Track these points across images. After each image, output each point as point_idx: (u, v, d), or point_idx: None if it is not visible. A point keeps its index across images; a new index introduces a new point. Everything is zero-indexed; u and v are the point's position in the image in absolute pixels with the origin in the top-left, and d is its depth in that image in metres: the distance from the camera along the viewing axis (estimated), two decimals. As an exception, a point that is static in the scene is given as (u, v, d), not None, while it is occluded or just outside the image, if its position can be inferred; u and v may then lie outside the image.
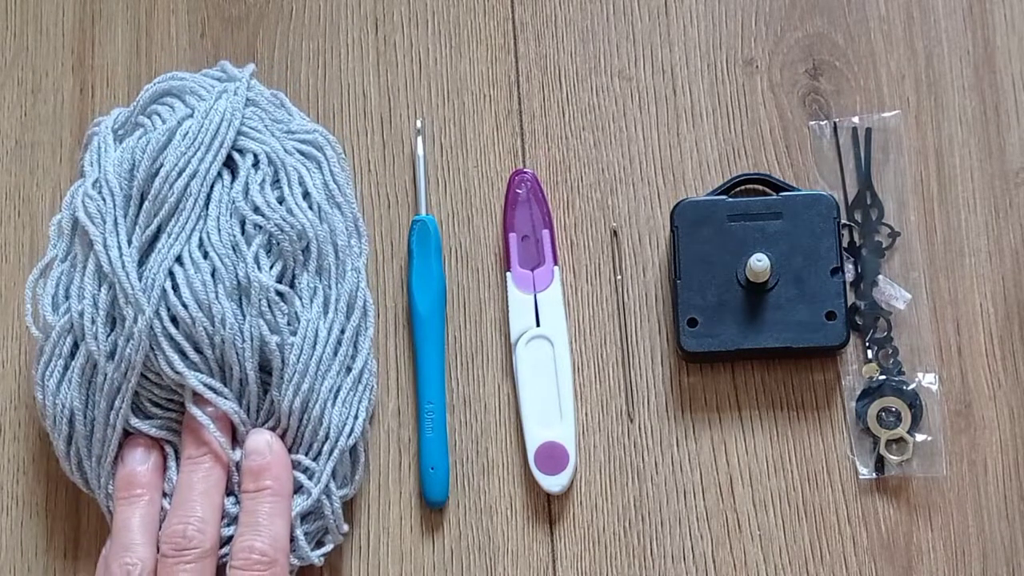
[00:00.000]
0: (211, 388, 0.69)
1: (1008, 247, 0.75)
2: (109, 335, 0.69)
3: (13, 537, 0.74)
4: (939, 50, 0.77)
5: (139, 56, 0.81)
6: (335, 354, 0.71)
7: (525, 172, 0.76)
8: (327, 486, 0.69)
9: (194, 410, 0.69)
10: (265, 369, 0.70)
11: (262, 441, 0.69)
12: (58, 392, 0.70)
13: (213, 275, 0.69)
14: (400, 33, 0.80)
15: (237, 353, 0.69)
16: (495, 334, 0.75)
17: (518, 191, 0.76)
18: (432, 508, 0.73)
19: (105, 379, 0.69)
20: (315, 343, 0.70)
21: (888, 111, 0.77)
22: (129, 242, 0.70)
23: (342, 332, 0.71)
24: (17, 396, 0.76)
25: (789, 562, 0.71)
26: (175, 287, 0.69)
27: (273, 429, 0.70)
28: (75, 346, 0.70)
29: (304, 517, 0.69)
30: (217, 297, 0.69)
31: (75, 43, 0.81)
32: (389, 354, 0.75)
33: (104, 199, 0.70)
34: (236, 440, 0.70)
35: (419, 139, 0.78)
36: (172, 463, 0.70)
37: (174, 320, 0.69)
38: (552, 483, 0.72)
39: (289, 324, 0.70)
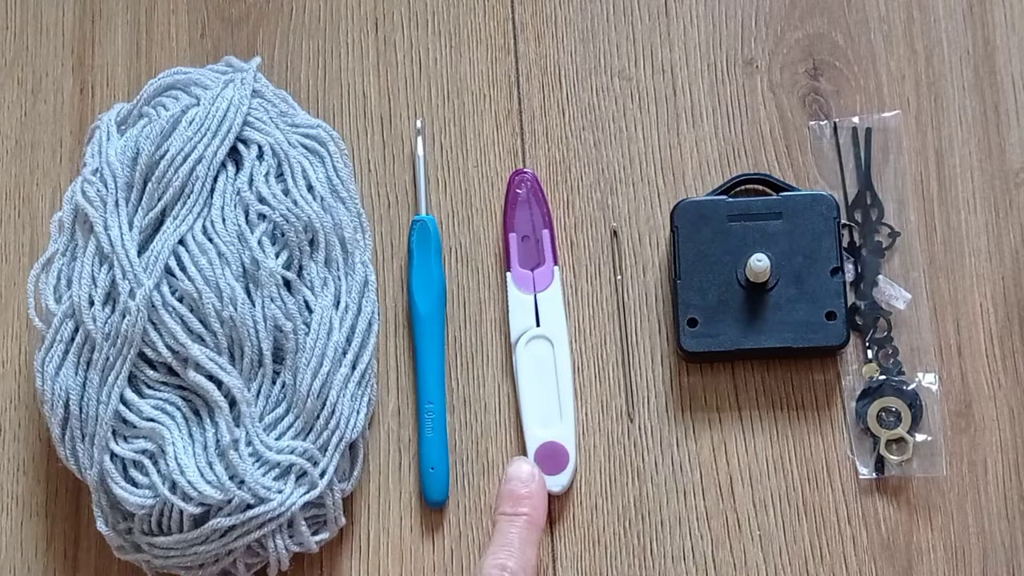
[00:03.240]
0: (215, 363, 0.69)
1: (1008, 247, 0.75)
2: (109, 317, 0.69)
3: (13, 537, 0.74)
4: (939, 50, 0.77)
5: (139, 56, 0.81)
6: (348, 344, 0.71)
7: (525, 172, 0.76)
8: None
9: (194, 377, 0.69)
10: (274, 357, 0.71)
11: (526, 470, 0.70)
12: (56, 376, 0.70)
13: (219, 257, 0.70)
14: (400, 33, 0.80)
15: (250, 333, 0.69)
16: (495, 334, 0.75)
17: (518, 191, 0.76)
18: (432, 508, 0.73)
19: (101, 355, 0.69)
20: (329, 331, 0.70)
21: (888, 111, 0.77)
22: (130, 225, 0.70)
23: (353, 327, 0.72)
24: (17, 396, 0.76)
25: (789, 562, 0.71)
26: (181, 266, 0.69)
27: (283, 416, 0.70)
28: (76, 331, 0.70)
29: (305, 506, 0.70)
30: (224, 276, 0.69)
31: (75, 43, 0.81)
32: (389, 354, 0.75)
33: (105, 183, 0.71)
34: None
35: (419, 139, 0.78)
36: (173, 433, 0.69)
37: (179, 298, 0.70)
38: (552, 483, 0.72)
39: (300, 313, 0.70)
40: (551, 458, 0.72)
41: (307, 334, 0.70)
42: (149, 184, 0.71)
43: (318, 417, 0.70)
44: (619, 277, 0.76)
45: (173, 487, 0.68)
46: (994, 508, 0.72)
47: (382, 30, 0.80)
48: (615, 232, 0.76)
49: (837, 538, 0.72)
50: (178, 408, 0.70)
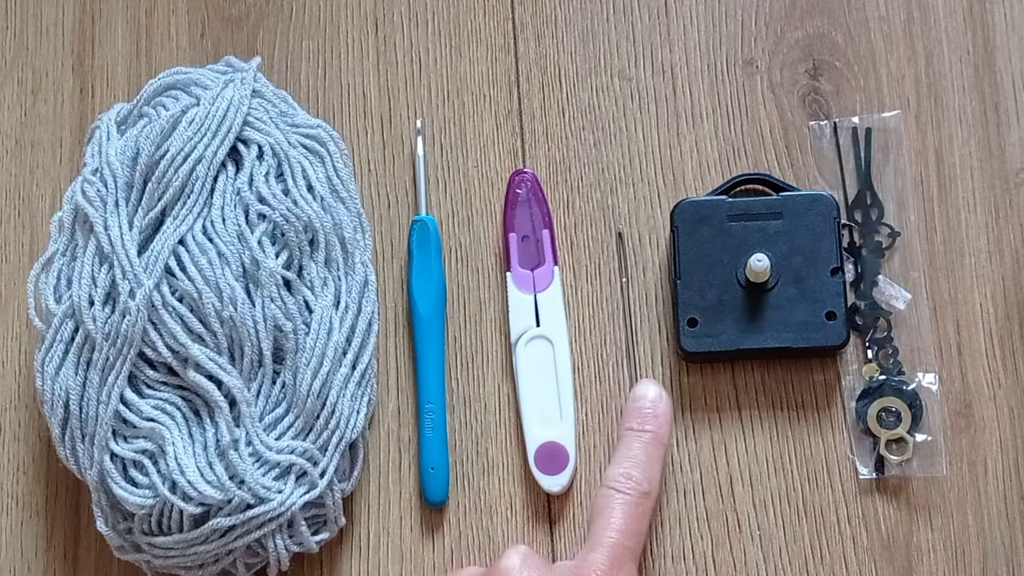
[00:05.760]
0: (215, 363, 0.69)
1: (1008, 247, 0.75)
2: (109, 317, 0.69)
3: (13, 537, 0.74)
4: (939, 50, 0.77)
5: (139, 56, 0.81)
6: (348, 344, 0.71)
7: (525, 172, 0.76)
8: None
9: (194, 377, 0.69)
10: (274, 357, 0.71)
11: (653, 390, 0.71)
12: (56, 376, 0.70)
13: (219, 257, 0.70)
14: (400, 33, 0.80)
15: (250, 333, 0.69)
16: (495, 334, 0.75)
17: (518, 191, 0.76)
18: (432, 508, 0.73)
19: (101, 355, 0.69)
20: (329, 331, 0.70)
21: (888, 111, 0.77)
22: (130, 225, 0.70)
23: (353, 327, 0.72)
24: (17, 396, 0.76)
25: (789, 562, 0.71)
26: (181, 266, 0.69)
27: (283, 416, 0.70)
28: (76, 331, 0.70)
29: (305, 506, 0.70)
30: (224, 276, 0.69)
31: (75, 43, 0.81)
32: (389, 354, 0.75)
33: (105, 183, 0.71)
34: None
35: (419, 139, 0.78)
36: (173, 433, 0.69)
37: (179, 298, 0.70)
38: (552, 483, 0.72)
39: (300, 313, 0.70)
40: (551, 458, 0.72)
41: (307, 334, 0.70)
42: (149, 184, 0.71)
43: (318, 417, 0.70)
44: (624, 279, 0.76)
45: (173, 487, 0.68)
46: (994, 508, 0.72)
47: (382, 30, 0.80)
48: (620, 234, 0.76)
49: (837, 538, 0.72)
50: (178, 408, 0.70)
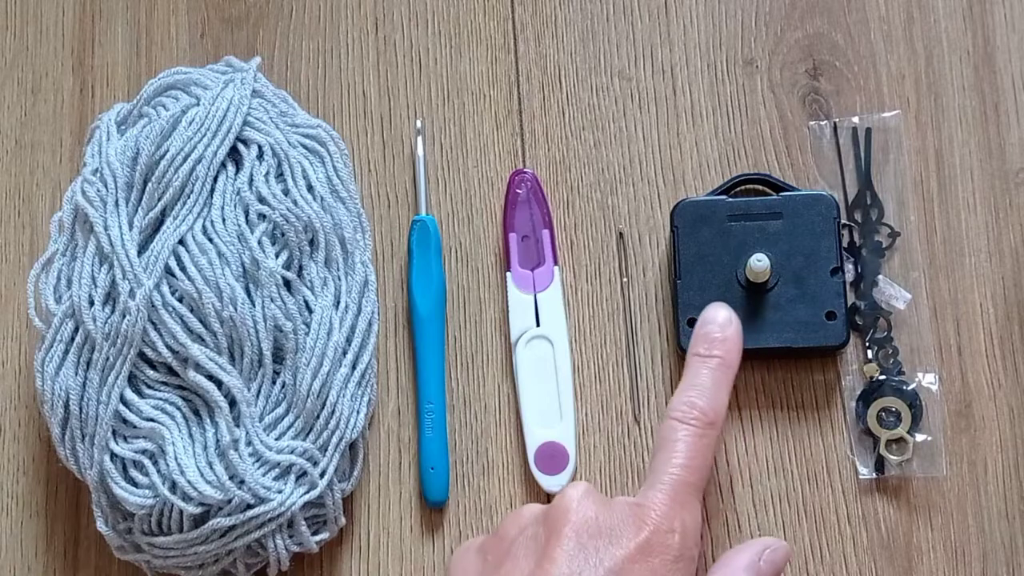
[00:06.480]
0: (215, 363, 0.69)
1: (1008, 247, 0.75)
2: (109, 317, 0.69)
3: (13, 537, 0.74)
4: (939, 50, 0.77)
5: (139, 56, 0.81)
6: (348, 344, 0.71)
7: (525, 172, 0.76)
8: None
9: (194, 377, 0.69)
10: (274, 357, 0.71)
11: (723, 315, 0.68)
12: (56, 376, 0.70)
13: (219, 257, 0.70)
14: (400, 33, 0.80)
15: (250, 333, 0.69)
16: (495, 334, 0.75)
17: (518, 191, 0.76)
18: (432, 508, 0.73)
19: (101, 355, 0.69)
20: (329, 331, 0.70)
21: (888, 111, 0.77)
22: (130, 225, 0.70)
23: (353, 327, 0.72)
24: (17, 396, 0.76)
25: (789, 562, 0.71)
26: (181, 266, 0.69)
27: (283, 416, 0.70)
28: (76, 331, 0.70)
29: (305, 506, 0.70)
30: (224, 276, 0.69)
31: (75, 43, 0.81)
32: (389, 354, 0.75)
33: (105, 183, 0.71)
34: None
35: (419, 139, 0.78)
36: (173, 433, 0.69)
37: (179, 298, 0.70)
38: (552, 483, 0.72)
39: (299, 313, 0.70)
40: (551, 458, 0.72)
41: (307, 334, 0.70)
42: (149, 184, 0.71)
43: (318, 417, 0.70)
44: (625, 279, 0.76)
45: (173, 487, 0.68)
46: (994, 508, 0.72)
47: (382, 30, 0.80)
48: (621, 234, 0.76)
49: (837, 538, 0.72)
50: (178, 408, 0.70)
